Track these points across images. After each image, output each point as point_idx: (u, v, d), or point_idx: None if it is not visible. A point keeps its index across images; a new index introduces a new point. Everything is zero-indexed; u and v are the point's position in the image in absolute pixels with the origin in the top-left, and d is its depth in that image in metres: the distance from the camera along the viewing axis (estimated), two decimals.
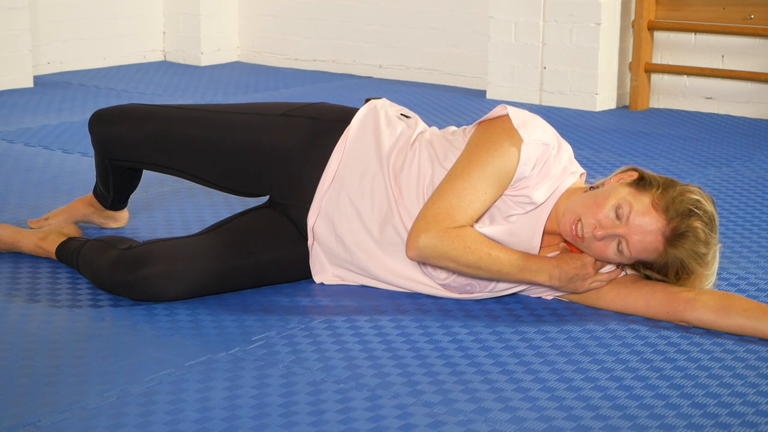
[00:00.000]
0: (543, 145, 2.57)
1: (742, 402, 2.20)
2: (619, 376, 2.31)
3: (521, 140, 2.54)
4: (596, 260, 2.59)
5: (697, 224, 2.46)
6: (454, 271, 2.63)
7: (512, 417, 2.11)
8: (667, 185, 2.51)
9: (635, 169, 2.58)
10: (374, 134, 2.75)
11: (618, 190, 2.53)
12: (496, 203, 2.61)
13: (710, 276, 2.55)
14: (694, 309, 2.54)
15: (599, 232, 2.49)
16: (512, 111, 2.59)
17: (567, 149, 2.66)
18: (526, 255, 2.58)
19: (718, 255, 2.54)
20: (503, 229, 2.61)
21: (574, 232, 2.52)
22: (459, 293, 2.70)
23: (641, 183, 2.53)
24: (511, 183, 2.58)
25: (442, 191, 2.57)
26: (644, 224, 2.47)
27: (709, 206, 2.49)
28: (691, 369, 2.35)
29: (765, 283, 2.91)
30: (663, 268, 2.55)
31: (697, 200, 2.47)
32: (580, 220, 2.52)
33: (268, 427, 2.05)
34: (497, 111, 2.61)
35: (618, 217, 2.49)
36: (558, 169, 2.61)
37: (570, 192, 2.61)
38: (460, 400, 2.18)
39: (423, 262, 2.64)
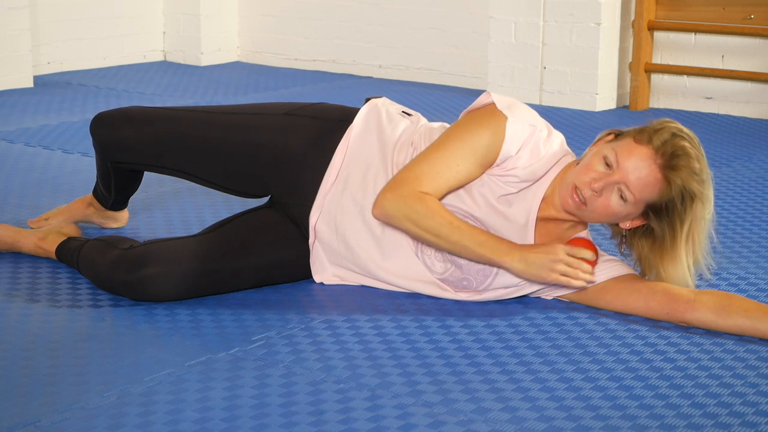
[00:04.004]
0: (530, 126, 2.60)
1: (742, 402, 2.20)
2: (619, 376, 2.31)
3: (505, 118, 2.58)
4: (570, 254, 2.55)
5: (684, 143, 2.50)
6: (414, 237, 2.63)
7: (512, 417, 2.12)
8: (643, 126, 2.56)
9: (611, 131, 2.62)
10: (377, 132, 2.76)
11: (601, 149, 2.56)
12: (488, 185, 2.63)
13: (710, 202, 2.53)
14: (694, 310, 2.55)
15: (596, 185, 2.51)
16: (497, 96, 2.63)
17: (558, 135, 2.69)
18: (489, 233, 2.58)
19: (711, 181, 2.55)
20: (497, 213, 2.63)
21: (576, 200, 2.54)
22: (456, 289, 2.71)
23: (619, 135, 2.59)
24: (497, 162, 2.60)
25: (416, 160, 2.63)
26: (634, 161, 2.49)
27: (686, 129, 2.54)
28: (691, 369, 2.35)
29: (765, 283, 2.92)
30: (670, 206, 2.51)
31: (676, 125, 2.53)
32: (576, 186, 2.54)
33: (268, 427, 2.05)
34: (482, 99, 2.65)
35: (608, 166, 2.51)
36: (549, 151, 2.63)
37: (562, 173, 2.63)
38: (460, 400, 2.18)
39: (385, 223, 2.66)
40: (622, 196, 2.51)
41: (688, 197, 2.50)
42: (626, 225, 2.60)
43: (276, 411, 2.12)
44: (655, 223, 2.55)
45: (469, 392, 2.22)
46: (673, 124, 2.53)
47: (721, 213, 3.59)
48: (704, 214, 2.54)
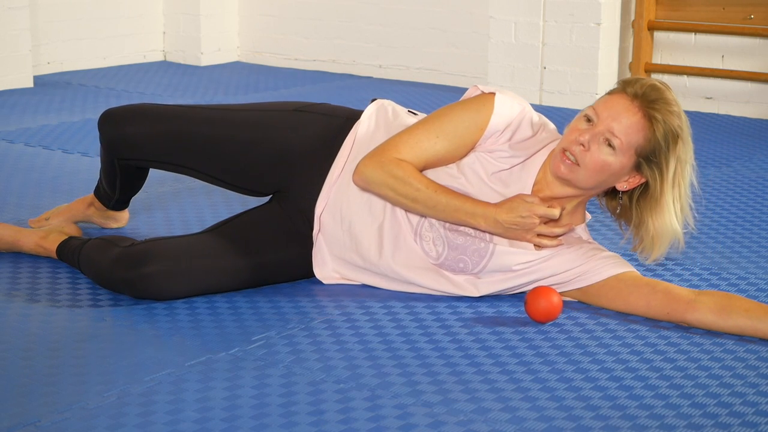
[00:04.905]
0: (518, 105, 2.66)
1: (742, 402, 2.20)
2: (619, 376, 2.31)
3: (494, 94, 2.64)
4: (545, 218, 2.62)
5: (654, 83, 2.57)
6: (392, 202, 2.68)
7: (512, 417, 2.12)
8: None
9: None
10: (384, 127, 2.80)
11: (580, 114, 2.63)
12: (479, 162, 2.67)
13: (689, 145, 2.58)
14: (695, 310, 2.55)
15: (582, 137, 2.55)
16: (483, 87, 2.69)
17: (550, 123, 2.74)
18: (466, 197, 2.63)
19: (689, 125, 2.60)
20: (494, 192, 2.67)
21: (567, 162, 2.57)
22: (454, 272, 2.71)
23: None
24: (486, 135, 2.65)
25: (400, 132, 2.69)
26: (614, 108, 2.55)
27: None
28: (691, 369, 2.35)
29: (765, 283, 2.92)
30: (657, 149, 2.54)
31: (643, 76, 2.63)
32: (564, 149, 2.58)
33: (268, 427, 2.05)
34: (470, 92, 2.72)
35: (590, 122, 2.57)
36: (540, 131, 2.68)
37: (552, 154, 2.67)
38: (460, 400, 2.18)
39: (365, 189, 2.69)
40: (610, 144, 2.54)
41: (670, 135, 2.54)
42: (623, 186, 2.62)
43: (276, 411, 2.12)
44: (647, 172, 2.58)
45: (469, 392, 2.22)
46: (640, 76, 2.58)
47: (721, 213, 3.59)
48: (687, 157, 2.58)
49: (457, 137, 2.65)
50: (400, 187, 2.62)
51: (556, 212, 2.62)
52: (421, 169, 2.67)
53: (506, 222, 2.61)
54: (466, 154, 2.69)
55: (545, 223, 2.65)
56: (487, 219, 2.61)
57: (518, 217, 2.60)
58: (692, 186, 2.63)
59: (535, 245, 2.68)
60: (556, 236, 2.67)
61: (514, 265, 2.67)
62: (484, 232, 2.67)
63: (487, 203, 2.63)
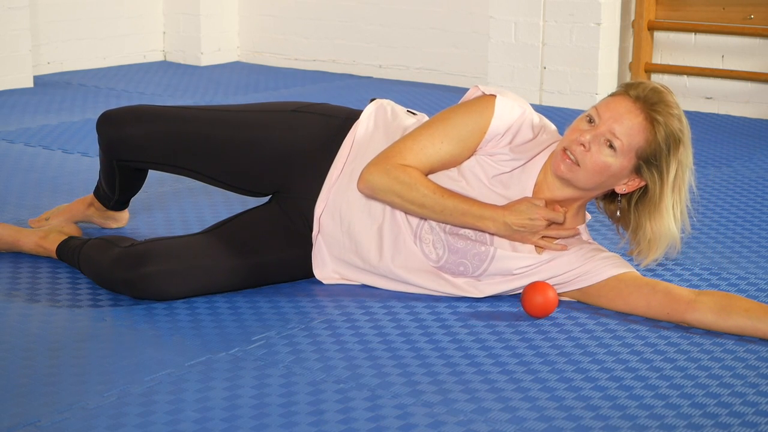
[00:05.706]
0: (519, 108, 2.65)
1: (742, 402, 2.20)
2: (619, 376, 2.31)
3: (494, 96, 2.64)
4: (551, 222, 2.63)
5: (655, 85, 2.58)
6: (399, 209, 2.68)
7: (512, 417, 2.12)
8: None
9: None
10: (384, 127, 2.80)
11: (581, 115, 2.63)
12: (480, 165, 2.67)
13: (689, 149, 2.59)
14: (694, 310, 2.55)
15: (583, 137, 2.55)
16: (485, 87, 2.69)
17: (551, 123, 2.74)
18: (473, 200, 2.64)
19: (689, 129, 2.60)
20: (495, 195, 2.67)
21: (567, 161, 2.57)
22: (454, 275, 2.71)
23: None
24: (487, 139, 2.64)
25: (403, 137, 2.68)
26: (616, 109, 2.55)
27: None
28: (691, 369, 2.36)
29: (765, 283, 2.92)
30: (658, 152, 2.54)
31: (636, 75, 2.60)
32: (565, 148, 2.58)
33: (268, 427, 2.05)
34: (471, 93, 2.71)
35: (591, 121, 2.57)
36: (540, 133, 2.68)
37: (552, 156, 2.67)
38: (460, 400, 2.18)
39: (371, 196, 2.69)
40: (611, 146, 2.54)
41: (672, 139, 2.54)
42: (622, 189, 2.62)
43: (276, 411, 2.12)
44: (647, 175, 2.57)
45: (469, 392, 2.22)
46: (643, 79, 2.58)
47: (721, 213, 3.60)
48: (687, 161, 2.58)
49: (461, 141, 2.65)
50: (407, 193, 2.61)
51: (560, 217, 2.62)
52: (426, 174, 2.66)
53: (515, 224, 2.61)
54: (468, 158, 2.68)
55: (549, 226, 2.65)
56: (496, 222, 2.62)
57: (527, 220, 2.61)
58: (690, 190, 2.63)
59: (537, 248, 2.68)
60: (562, 238, 2.68)
61: (515, 269, 2.68)
62: (491, 234, 2.67)
63: (495, 206, 2.63)
